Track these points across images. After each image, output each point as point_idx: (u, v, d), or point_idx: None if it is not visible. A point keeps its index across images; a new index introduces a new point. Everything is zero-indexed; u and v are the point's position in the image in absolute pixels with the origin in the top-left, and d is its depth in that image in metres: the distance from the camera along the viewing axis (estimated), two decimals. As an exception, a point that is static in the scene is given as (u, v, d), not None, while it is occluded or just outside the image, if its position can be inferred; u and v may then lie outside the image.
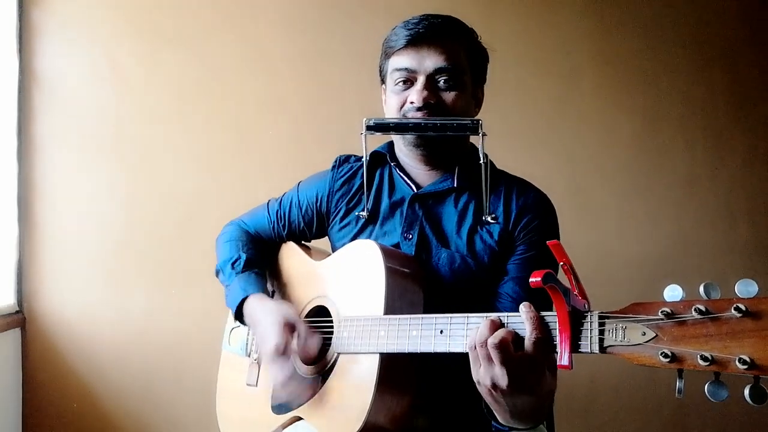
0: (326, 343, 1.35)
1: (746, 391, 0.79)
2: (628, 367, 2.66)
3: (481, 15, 2.63)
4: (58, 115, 2.47)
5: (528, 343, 0.99)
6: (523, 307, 1.01)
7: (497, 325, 1.03)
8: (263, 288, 1.50)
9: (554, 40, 2.74)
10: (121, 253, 2.49)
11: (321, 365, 1.34)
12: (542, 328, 0.99)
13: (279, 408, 1.40)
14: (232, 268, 1.53)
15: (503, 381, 1.00)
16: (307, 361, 1.37)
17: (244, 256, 1.54)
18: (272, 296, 1.54)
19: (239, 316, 1.49)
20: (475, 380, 1.06)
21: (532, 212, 1.40)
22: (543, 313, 1.00)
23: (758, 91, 2.81)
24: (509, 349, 0.99)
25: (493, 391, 1.03)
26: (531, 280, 0.92)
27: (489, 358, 1.01)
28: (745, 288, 0.81)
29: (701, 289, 0.83)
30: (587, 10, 2.76)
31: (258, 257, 1.58)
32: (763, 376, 0.77)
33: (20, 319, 2.40)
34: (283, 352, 1.32)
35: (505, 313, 1.04)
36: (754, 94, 2.81)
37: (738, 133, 2.79)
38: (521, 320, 1.01)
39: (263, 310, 1.41)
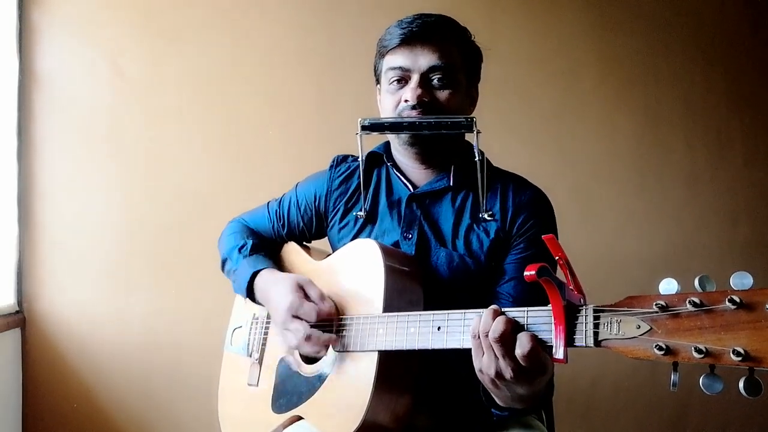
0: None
1: (741, 383, 0.79)
2: (628, 366, 2.67)
3: (482, 15, 2.63)
4: (58, 115, 2.47)
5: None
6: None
7: (499, 313, 1.02)
8: (273, 265, 1.51)
9: (554, 40, 2.74)
10: (121, 253, 2.49)
11: (321, 364, 1.35)
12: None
13: (279, 407, 1.40)
14: (239, 252, 1.55)
15: (507, 373, 1.00)
16: (302, 357, 1.38)
17: (250, 242, 1.56)
18: None
19: (251, 294, 1.50)
20: (476, 369, 1.05)
21: (529, 210, 1.39)
22: (539, 308, 1.00)
23: (758, 91, 2.81)
24: (512, 341, 0.99)
25: (497, 380, 1.03)
26: (526, 273, 0.92)
27: (492, 349, 1.01)
28: (740, 281, 0.81)
29: (696, 281, 0.83)
30: (587, 10, 2.77)
31: (263, 245, 1.60)
32: (757, 368, 0.77)
33: (20, 319, 2.40)
34: (297, 309, 1.31)
35: (505, 309, 1.04)
36: (754, 94, 2.81)
37: (738, 133, 2.79)
38: (521, 315, 1.01)
39: (275, 280, 1.43)
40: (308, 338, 1.29)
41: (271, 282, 1.43)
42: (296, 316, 1.31)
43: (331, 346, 1.31)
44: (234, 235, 1.62)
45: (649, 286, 0.88)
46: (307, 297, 1.34)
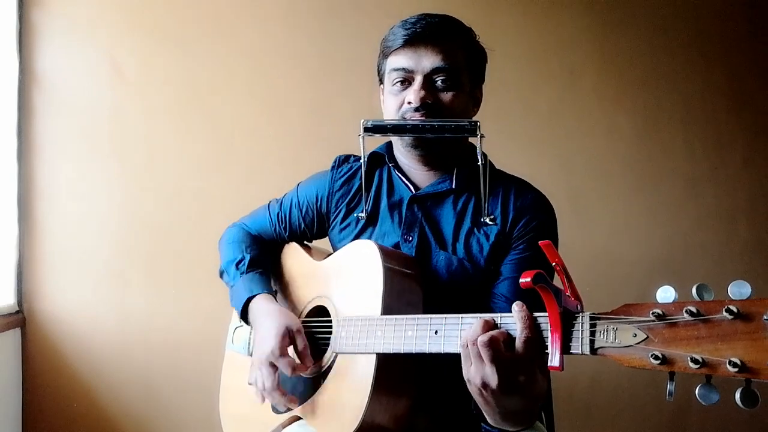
0: (325, 343, 1.36)
1: (737, 395, 0.78)
2: (628, 367, 2.65)
3: (481, 15, 2.63)
4: (58, 115, 2.47)
5: (519, 343, 0.98)
6: (515, 306, 1.00)
7: (491, 326, 1.03)
8: (268, 288, 1.50)
9: (554, 40, 2.74)
10: (121, 253, 2.49)
11: (320, 365, 1.35)
12: (533, 327, 0.98)
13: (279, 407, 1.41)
14: (236, 268, 1.54)
15: (493, 380, 1.00)
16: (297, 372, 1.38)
17: (247, 257, 1.55)
18: (275, 296, 1.55)
19: (245, 315, 1.50)
20: (465, 378, 1.05)
21: (530, 213, 1.39)
22: (535, 314, 0.99)
23: (758, 91, 2.81)
24: (500, 347, 0.99)
25: (482, 390, 1.02)
26: (521, 280, 0.92)
27: (480, 357, 1.00)
28: (738, 290, 0.80)
29: (693, 290, 0.82)
30: (587, 11, 2.76)
31: (261, 258, 1.58)
32: (754, 379, 0.77)
33: (20, 319, 2.40)
34: (277, 358, 1.32)
35: (499, 314, 1.04)
36: (754, 94, 2.80)
37: (738, 133, 2.78)
38: (515, 320, 1.01)
39: (267, 312, 1.42)
40: (272, 390, 1.34)
41: (263, 314, 1.43)
42: (273, 363, 1.33)
43: (330, 344, 1.32)
44: (232, 245, 1.61)
45: (647, 288, 0.88)
46: (294, 344, 1.35)
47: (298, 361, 1.35)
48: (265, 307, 1.44)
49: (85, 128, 2.50)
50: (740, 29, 2.83)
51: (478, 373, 1.01)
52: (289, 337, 1.34)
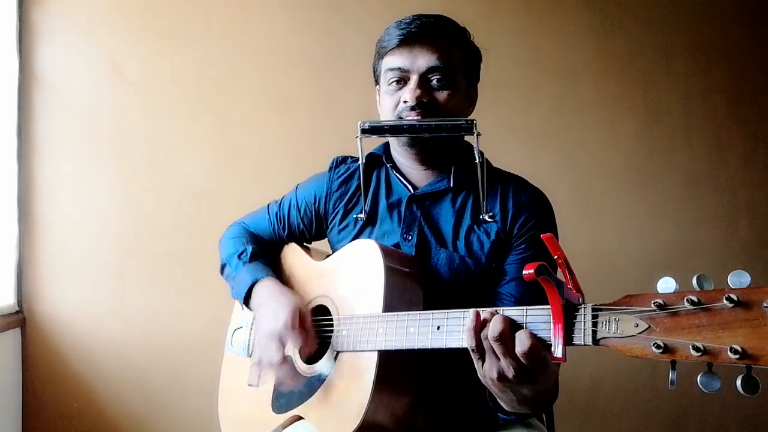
0: (326, 342, 1.36)
1: (738, 381, 0.79)
2: (628, 366, 2.65)
3: (481, 14, 2.63)
4: (58, 115, 2.48)
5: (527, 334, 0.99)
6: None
7: (494, 314, 1.03)
8: (273, 273, 1.51)
9: (554, 40, 2.74)
10: (121, 253, 2.49)
11: (321, 364, 1.35)
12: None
13: (279, 407, 1.41)
14: (239, 258, 1.55)
15: (509, 372, 1.00)
16: (302, 357, 1.38)
17: (250, 249, 1.56)
18: None
19: (247, 301, 1.50)
20: (480, 376, 1.06)
21: (529, 210, 1.40)
22: (538, 307, 1.00)
23: (758, 91, 2.81)
24: (509, 340, 0.99)
25: (499, 382, 1.03)
26: (524, 272, 0.92)
27: (492, 351, 1.01)
28: (738, 279, 0.81)
29: (694, 280, 0.83)
30: (587, 10, 2.76)
31: (263, 251, 1.59)
32: (754, 366, 0.77)
33: (20, 319, 2.40)
34: (288, 331, 1.32)
35: (501, 308, 1.04)
36: (754, 94, 2.81)
37: (738, 133, 2.79)
38: (520, 314, 1.01)
39: (279, 291, 1.43)
40: (279, 365, 1.35)
41: (274, 293, 1.43)
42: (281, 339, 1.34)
43: (332, 343, 1.33)
44: (234, 240, 1.61)
45: (648, 285, 0.88)
46: (302, 323, 1.35)
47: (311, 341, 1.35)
48: (273, 288, 1.45)
49: (85, 128, 2.50)
50: (740, 29, 2.83)
51: (493, 367, 1.02)
52: (301, 316, 1.35)
